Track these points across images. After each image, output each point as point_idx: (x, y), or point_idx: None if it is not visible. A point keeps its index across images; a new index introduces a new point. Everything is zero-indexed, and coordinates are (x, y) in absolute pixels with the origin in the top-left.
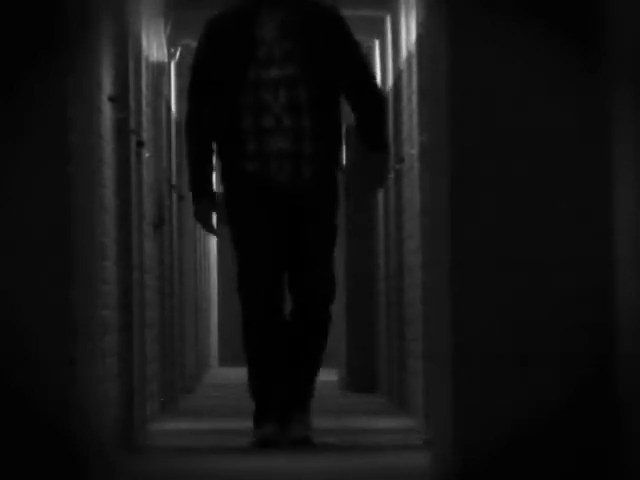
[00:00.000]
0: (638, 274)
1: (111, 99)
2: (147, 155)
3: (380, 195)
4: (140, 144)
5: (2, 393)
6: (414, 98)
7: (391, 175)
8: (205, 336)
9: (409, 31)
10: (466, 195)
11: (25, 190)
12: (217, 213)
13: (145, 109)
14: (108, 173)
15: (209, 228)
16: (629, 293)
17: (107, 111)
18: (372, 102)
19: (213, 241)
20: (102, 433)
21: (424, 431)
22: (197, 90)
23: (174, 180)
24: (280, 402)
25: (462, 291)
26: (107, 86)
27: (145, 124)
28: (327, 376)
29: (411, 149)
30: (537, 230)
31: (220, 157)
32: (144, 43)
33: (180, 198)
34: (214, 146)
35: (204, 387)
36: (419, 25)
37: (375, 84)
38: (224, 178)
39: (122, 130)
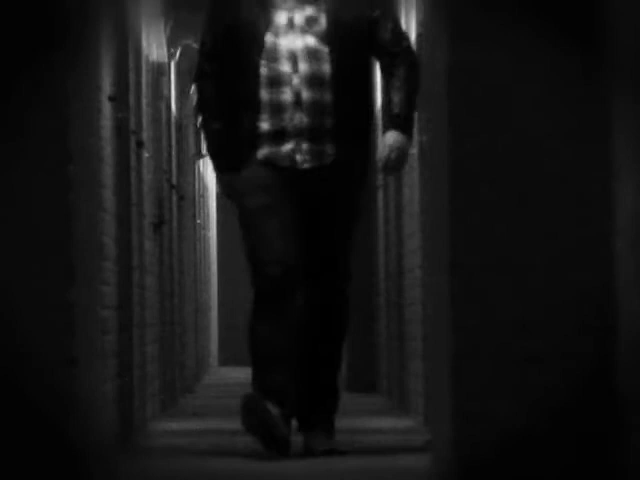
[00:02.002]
0: (638, 274)
1: (111, 99)
2: (147, 155)
3: (380, 195)
4: (140, 144)
5: (2, 393)
6: None
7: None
8: (205, 336)
9: (409, 31)
10: (466, 195)
11: (25, 190)
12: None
13: (145, 109)
14: (108, 173)
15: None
16: (629, 293)
17: (107, 111)
18: (405, 64)
19: (213, 241)
20: (102, 433)
21: (424, 431)
22: (207, 60)
23: (174, 180)
24: (286, 393)
25: (462, 291)
26: (107, 86)
27: (145, 124)
28: None
29: (411, 149)
30: (537, 230)
31: (231, 137)
32: (144, 43)
33: (180, 198)
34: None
35: (204, 387)
36: (419, 25)
37: (410, 48)
38: (236, 162)
39: (122, 130)
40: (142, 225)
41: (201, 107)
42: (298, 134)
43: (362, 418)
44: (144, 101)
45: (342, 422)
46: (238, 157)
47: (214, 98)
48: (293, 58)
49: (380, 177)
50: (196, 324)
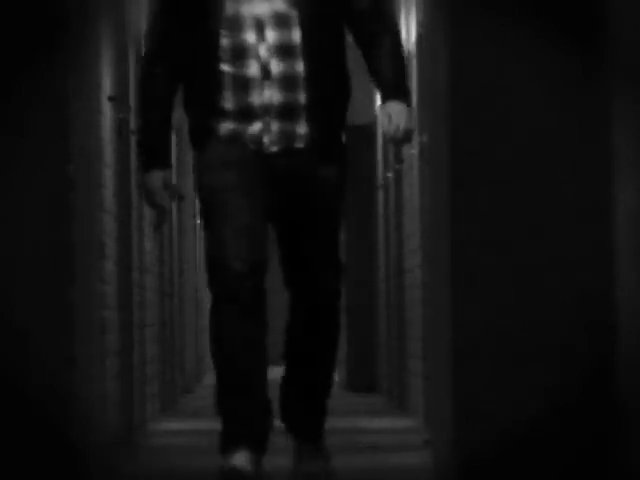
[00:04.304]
0: (638, 274)
1: (111, 99)
2: None
3: (380, 195)
4: None
5: (2, 393)
6: (414, 98)
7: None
8: (205, 336)
9: (409, 31)
10: (466, 195)
11: (25, 190)
12: (170, 189)
13: None
14: (108, 173)
15: (156, 205)
16: (629, 293)
17: (107, 111)
18: (383, 30)
19: None
20: (102, 433)
21: (424, 431)
22: (160, 28)
23: (174, 180)
24: (253, 421)
25: (462, 291)
26: (107, 86)
27: None
28: None
29: (411, 149)
30: (537, 230)
31: (189, 117)
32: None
33: (180, 198)
34: (179, 105)
35: (204, 387)
36: (419, 25)
37: (387, 12)
38: (194, 145)
39: (122, 130)
40: (142, 225)
41: (145, 106)
42: (267, 112)
43: (362, 418)
44: None
45: (342, 422)
46: (198, 137)
47: (161, 98)
48: (259, 25)
49: (380, 177)
50: (196, 324)
